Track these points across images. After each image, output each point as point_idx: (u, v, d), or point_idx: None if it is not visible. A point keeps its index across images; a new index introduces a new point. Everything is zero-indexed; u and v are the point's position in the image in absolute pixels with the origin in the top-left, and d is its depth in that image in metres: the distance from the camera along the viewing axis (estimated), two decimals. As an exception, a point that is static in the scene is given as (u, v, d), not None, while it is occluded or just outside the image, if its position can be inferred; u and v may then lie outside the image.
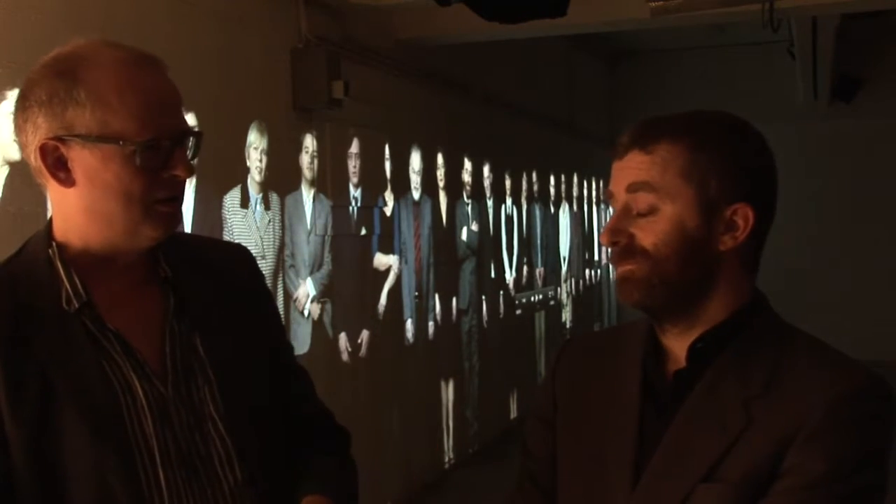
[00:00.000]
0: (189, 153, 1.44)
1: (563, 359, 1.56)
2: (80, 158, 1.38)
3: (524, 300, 8.70)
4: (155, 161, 1.39)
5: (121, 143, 1.37)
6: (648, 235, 1.35)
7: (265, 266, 4.73)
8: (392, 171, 6.18)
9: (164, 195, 1.42)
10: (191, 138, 1.45)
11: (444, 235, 6.98)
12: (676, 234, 1.34)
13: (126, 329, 1.44)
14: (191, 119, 4.01)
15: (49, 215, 1.50)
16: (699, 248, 1.35)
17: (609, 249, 1.39)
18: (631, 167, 1.37)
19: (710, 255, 1.36)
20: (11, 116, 1.44)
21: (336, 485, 1.56)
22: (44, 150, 1.39)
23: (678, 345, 1.40)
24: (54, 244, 1.44)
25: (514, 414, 8.35)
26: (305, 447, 1.59)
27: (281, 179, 4.92)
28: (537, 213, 9.17)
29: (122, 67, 1.39)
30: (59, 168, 1.39)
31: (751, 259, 1.39)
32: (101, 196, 1.40)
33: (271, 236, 4.82)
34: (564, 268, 10.08)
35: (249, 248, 5.03)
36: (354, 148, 5.69)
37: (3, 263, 1.46)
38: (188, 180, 1.48)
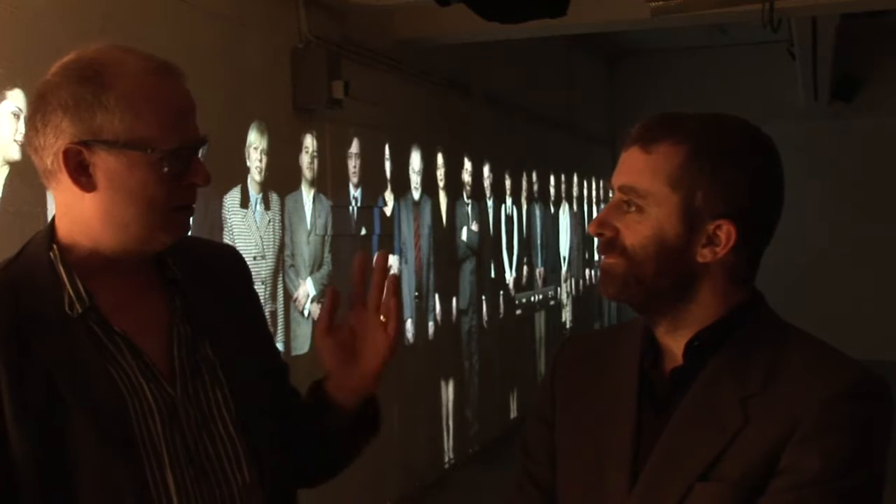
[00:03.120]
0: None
1: (563, 358, 1.57)
2: (105, 164, 1.38)
3: (524, 300, 8.70)
4: (179, 168, 1.41)
5: (149, 150, 1.38)
6: (631, 234, 1.36)
7: (265, 266, 4.73)
8: (392, 171, 6.18)
9: (182, 202, 1.44)
10: (205, 145, 1.47)
11: (444, 235, 6.98)
12: (655, 240, 1.35)
13: (132, 331, 1.44)
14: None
15: (50, 216, 1.49)
16: (676, 256, 1.35)
17: (595, 240, 1.42)
18: (628, 165, 1.38)
19: (688, 266, 1.36)
20: (27, 118, 1.42)
21: None
22: (67, 155, 1.38)
23: (674, 343, 1.41)
24: (55, 247, 1.44)
25: (514, 414, 8.35)
26: (295, 442, 1.61)
27: (281, 179, 4.92)
28: (537, 213, 9.17)
29: (148, 75, 1.40)
30: (81, 173, 1.39)
31: (741, 271, 1.39)
32: (122, 201, 1.40)
33: (271, 236, 4.82)
34: (564, 268, 10.08)
35: (249, 248, 5.01)
36: (354, 148, 5.69)
37: (2, 267, 1.46)
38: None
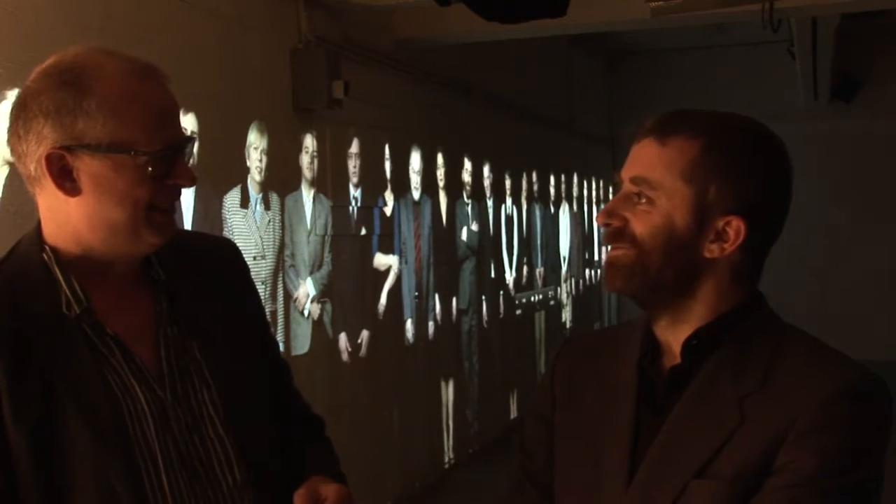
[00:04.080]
0: (187, 159, 1.45)
1: (563, 357, 1.57)
2: (89, 168, 1.38)
3: (524, 300, 8.70)
4: (163, 170, 1.40)
5: (132, 153, 1.38)
6: (640, 224, 1.37)
7: (265, 266, 4.73)
8: (392, 171, 6.18)
9: (164, 204, 1.43)
10: (189, 145, 1.46)
11: (444, 235, 6.98)
12: (664, 230, 1.35)
13: (123, 333, 1.44)
14: (191, 119, 4.01)
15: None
16: (683, 249, 1.36)
17: (603, 230, 1.42)
18: (641, 157, 1.39)
19: (694, 260, 1.36)
20: (8, 125, 1.42)
21: (338, 468, 1.61)
22: (49, 160, 1.37)
23: (673, 340, 1.41)
24: (48, 248, 1.43)
25: (514, 414, 8.35)
26: (296, 440, 1.61)
27: (281, 179, 4.92)
28: (537, 213, 9.17)
29: (129, 78, 1.39)
30: (65, 177, 1.38)
31: (745, 270, 1.39)
32: (109, 204, 1.39)
33: (271, 236, 4.82)
34: (564, 268, 10.08)
35: (249, 248, 5.00)
36: (354, 148, 5.69)
37: None
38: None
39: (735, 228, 1.35)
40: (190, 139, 1.46)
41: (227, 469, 1.47)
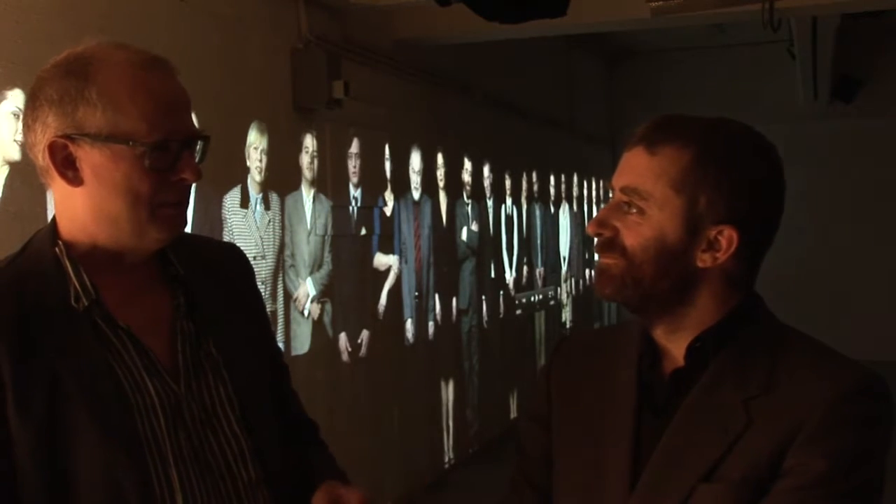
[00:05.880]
0: (196, 156, 1.45)
1: (558, 358, 1.57)
2: (89, 157, 1.39)
3: (524, 300, 8.70)
4: (163, 163, 1.40)
5: (130, 143, 1.38)
6: (630, 235, 1.36)
7: (265, 266, 4.73)
8: (392, 171, 6.18)
9: (171, 198, 1.43)
10: (199, 142, 1.45)
11: (444, 235, 6.98)
12: (655, 242, 1.35)
13: (136, 327, 1.44)
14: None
15: (52, 215, 1.50)
16: (676, 260, 1.35)
17: (594, 240, 1.41)
18: (631, 166, 1.38)
19: (687, 270, 1.36)
20: (21, 116, 1.45)
21: (340, 469, 1.62)
22: (52, 149, 1.39)
23: (672, 345, 1.41)
24: (60, 242, 1.44)
25: (514, 414, 8.34)
26: (297, 442, 1.62)
27: (281, 179, 4.92)
28: (537, 213, 9.17)
29: (133, 69, 1.40)
30: (68, 167, 1.40)
31: (740, 276, 1.39)
32: (109, 195, 1.40)
33: (271, 236, 4.82)
34: (564, 268, 10.08)
35: (249, 248, 5.01)
36: (354, 148, 5.69)
37: (7, 262, 1.46)
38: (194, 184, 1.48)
39: (727, 237, 1.34)
40: (200, 136, 1.45)
41: (242, 465, 1.47)
